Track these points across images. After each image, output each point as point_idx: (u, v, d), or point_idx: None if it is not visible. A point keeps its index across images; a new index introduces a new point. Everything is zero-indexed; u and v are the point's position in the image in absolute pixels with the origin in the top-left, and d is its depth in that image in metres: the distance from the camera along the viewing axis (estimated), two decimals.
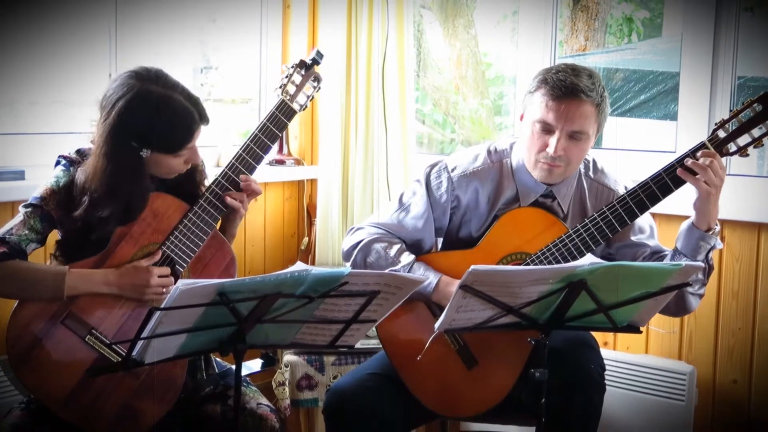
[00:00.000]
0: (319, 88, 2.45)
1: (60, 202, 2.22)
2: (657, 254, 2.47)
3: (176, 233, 2.26)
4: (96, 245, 2.23)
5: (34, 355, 2.16)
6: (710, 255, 2.35)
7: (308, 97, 2.41)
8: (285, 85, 2.38)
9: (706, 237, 2.32)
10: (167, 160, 2.22)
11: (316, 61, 2.43)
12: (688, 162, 2.26)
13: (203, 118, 2.23)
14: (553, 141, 2.34)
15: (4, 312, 2.24)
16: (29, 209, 2.22)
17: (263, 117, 2.37)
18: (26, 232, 2.20)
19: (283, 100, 2.36)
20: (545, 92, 2.35)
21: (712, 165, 2.24)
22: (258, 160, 2.34)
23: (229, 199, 2.32)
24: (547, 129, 2.35)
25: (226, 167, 2.32)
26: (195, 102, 2.21)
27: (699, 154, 2.27)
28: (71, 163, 2.27)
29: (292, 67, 2.40)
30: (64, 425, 2.18)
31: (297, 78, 2.39)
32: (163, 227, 2.27)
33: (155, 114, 2.12)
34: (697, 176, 2.25)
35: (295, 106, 2.39)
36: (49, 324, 2.17)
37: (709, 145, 2.28)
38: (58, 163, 2.30)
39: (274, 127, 2.35)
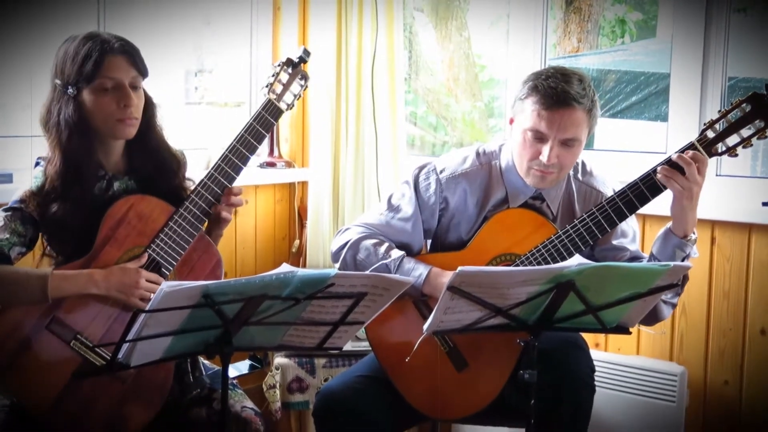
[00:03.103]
0: (306, 87, 2.41)
1: (40, 203, 2.21)
2: (637, 259, 2.47)
3: (162, 236, 2.24)
4: (80, 248, 2.21)
5: (20, 361, 2.13)
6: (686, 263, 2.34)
7: (295, 96, 2.38)
8: (272, 84, 2.34)
9: (682, 244, 2.31)
10: (96, 100, 2.17)
11: (303, 59, 2.39)
12: (674, 157, 2.26)
13: (129, 54, 2.20)
14: (546, 150, 2.33)
15: None
16: (9, 213, 2.21)
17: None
18: (7, 235, 2.18)
19: (269, 100, 2.33)
20: (536, 100, 2.33)
21: (690, 167, 2.23)
22: (244, 161, 2.31)
23: (224, 213, 2.31)
24: (539, 137, 2.34)
25: (211, 168, 2.30)
26: (119, 37, 2.21)
27: (675, 156, 2.26)
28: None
29: (279, 65, 2.37)
30: (49, 428, 2.17)
31: (284, 76, 2.36)
32: (148, 230, 2.25)
33: (74, 49, 2.16)
34: (671, 179, 2.25)
35: (282, 106, 2.35)
36: (34, 329, 2.15)
37: (698, 145, 2.28)
38: (37, 164, 2.29)
39: (261, 127, 2.32)
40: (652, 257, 2.37)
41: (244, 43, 3.86)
